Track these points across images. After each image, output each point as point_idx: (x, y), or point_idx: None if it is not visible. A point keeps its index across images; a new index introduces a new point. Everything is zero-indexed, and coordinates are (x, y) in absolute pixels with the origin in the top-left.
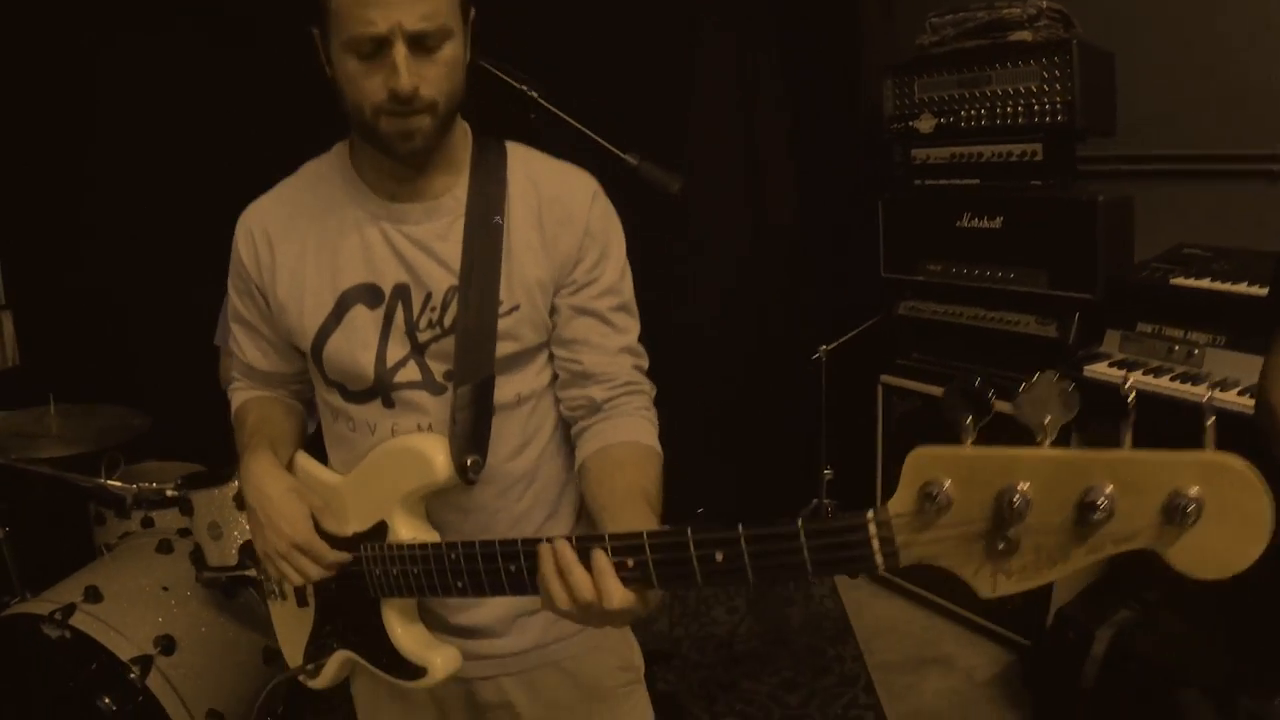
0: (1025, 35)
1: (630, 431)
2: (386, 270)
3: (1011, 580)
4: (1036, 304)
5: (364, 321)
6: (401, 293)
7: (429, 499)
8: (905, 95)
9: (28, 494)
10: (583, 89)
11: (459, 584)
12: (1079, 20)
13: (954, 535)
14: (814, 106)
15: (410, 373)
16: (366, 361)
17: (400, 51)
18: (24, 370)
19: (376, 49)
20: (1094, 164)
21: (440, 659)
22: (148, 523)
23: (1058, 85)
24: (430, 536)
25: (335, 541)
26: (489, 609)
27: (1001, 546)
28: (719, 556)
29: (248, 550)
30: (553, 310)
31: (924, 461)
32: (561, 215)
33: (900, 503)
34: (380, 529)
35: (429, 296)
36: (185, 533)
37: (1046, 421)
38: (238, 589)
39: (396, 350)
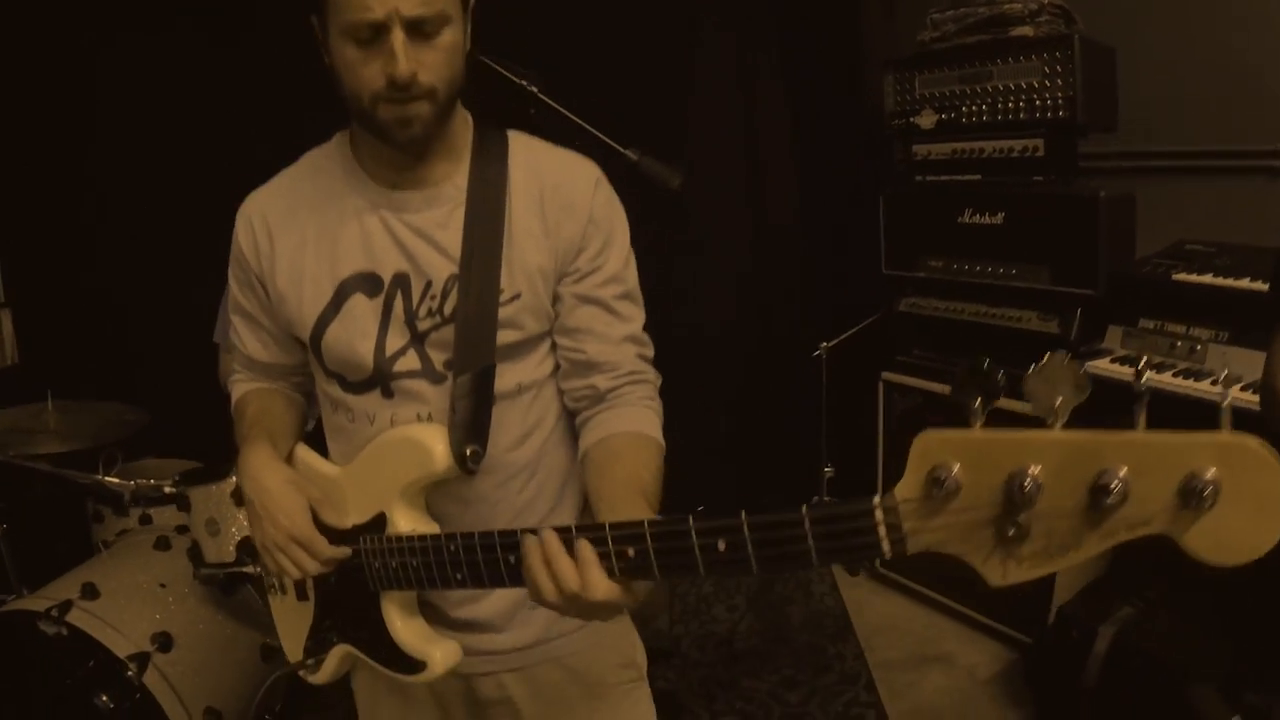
0: (1026, 30)
1: (632, 421)
2: (386, 259)
3: (1022, 568)
4: (1038, 300)
5: (363, 310)
6: (401, 281)
7: (429, 490)
8: (906, 91)
9: (26, 491)
10: (583, 87)
11: (458, 576)
12: (1080, 15)
13: (963, 521)
14: (814, 102)
15: (409, 362)
16: (365, 351)
17: (398, 37)
18: (23, 368)
19: (374, 35)
20: (1095, 160)
21: (440, 653)
22: (146, 520)
23: (1059, 81)
24: (430, 528)
25: (334, 534)
26: (489, 603)
27: (1012, 532)
28: (721, 545)
29: (245, 547)
30: (556, 299)
31: (932, 445)
32: (564, 202)
33: (907, 488)
34: (379, 521)
35: (429, 285)
36: (183, 529)
37: (1058, 404)
38: (235, 586)
39: (396, 339)
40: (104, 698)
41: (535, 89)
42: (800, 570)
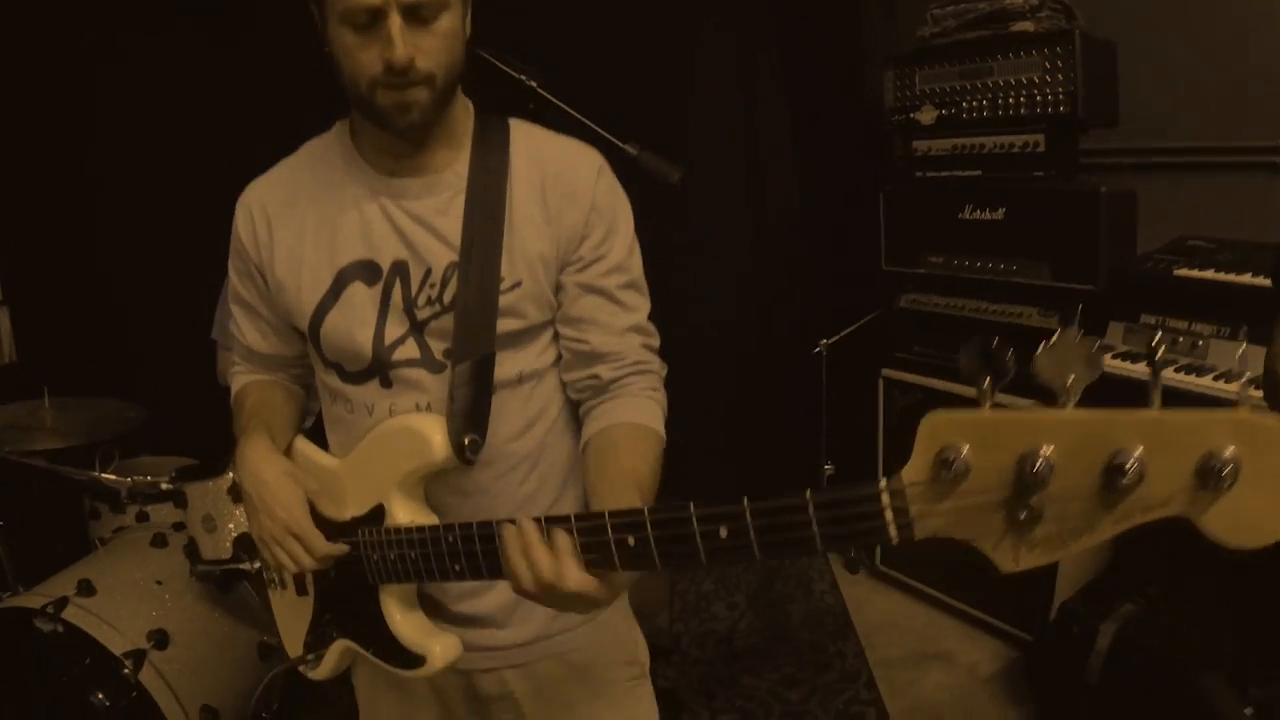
0: (1027, 26)
1: (631, 412)
2: (385, 247)
3: (1034, 553)
4: (1039, 296)
5: (362, 299)
6: (399, 269)
7: (428, 481)
8: (906, 87)
9: (23, 489)
10: (583, 86)
11: (456, 567)
12: (1081, 11)
13: (972, 504)
14: (814, 99)
15: (409, 350)
16: (364, 339)
17: (395, 22)
18: (21, 366)
19: (371, 20)
20: (1096, 157)
21: (440, 647)
22: (143, 517)
23: (1060, 76)
24: (429, 519)
25: (333, 526)
26: (490, 598)
27: (1023, 516)
28: (723, 532)
29: (242, 543)
30: (558, 288)
31: (940, 426)
32: (566, 190)
33: (914, 470)
34: (378, 512)
35: (428, 273)
36: (180, 527)
37: (1069, 382)
38: (232, 583)
39: (395, 328)
40: (100, 695)
41: (535, 84)
42: (804, 556)
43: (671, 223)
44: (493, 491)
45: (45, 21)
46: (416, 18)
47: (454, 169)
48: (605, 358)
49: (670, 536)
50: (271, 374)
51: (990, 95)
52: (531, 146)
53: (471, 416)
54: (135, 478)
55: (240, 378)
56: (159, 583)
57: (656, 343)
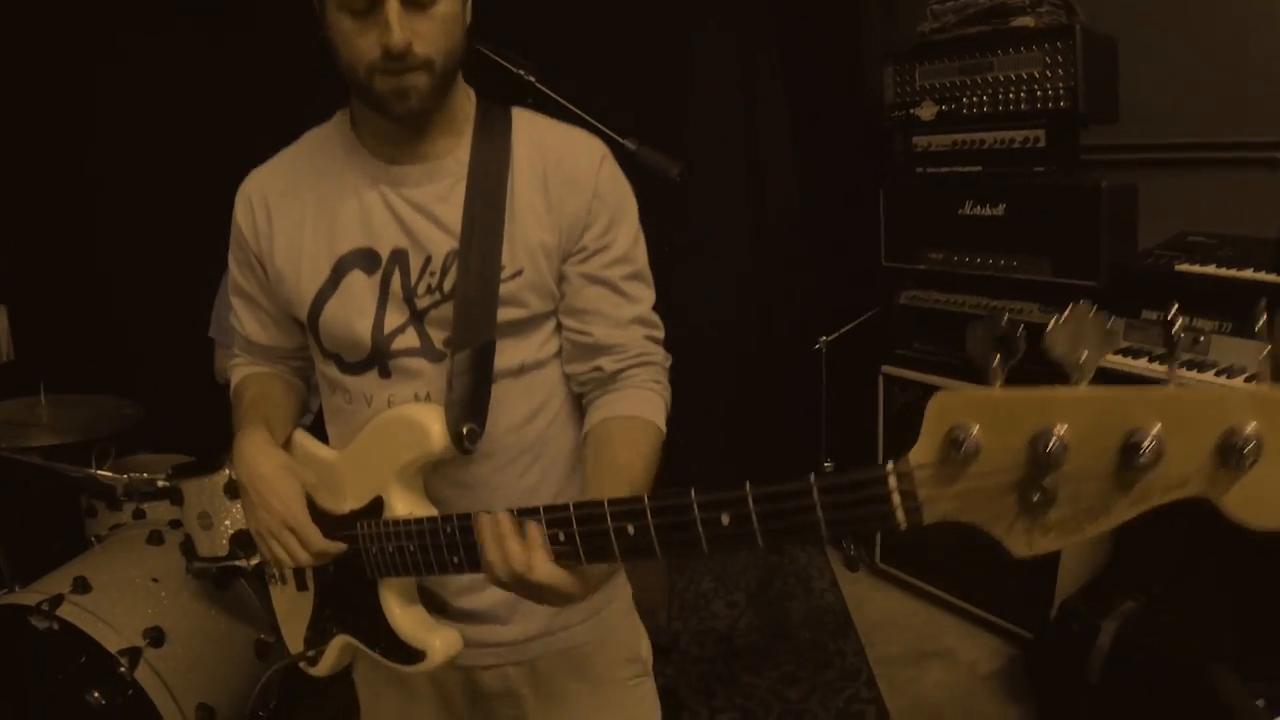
0: (1027, 21)
1: (630, 405)
2: (384, 234)
3: (1048, 537)
4: (1039, 292)
5: (361, 287)
6: (399, 258)
7: (427, 473)
8: (906, 83)
9: (19, 487)
10: (583, 83)
11: (455, 560)
12: (1081, 6)
13: (983, 486)
14: (814, 95)
15: (408, 339)
16: (363, 328)
17: (392, 7)
18: (19, 364)
19: (369, 6)
20: (1097, 153)
21: (439, 641)
22: (139, 515)
23: (1060, 71)
24: (427, 511)
25: (332, 520)
26: (491, 592)
27: (1037, 498)
28: (725, 519)
29: (239, 540)
30: (561, 278)
31: (948, 405)
32: (568, 177)
33: (922, 452)
34: (376, 505)
35: (428, 261)
36: (177, 524)
37: (1083, 359)
38: (229, 580)
39: (395, 317)
40: (96, 694)
41: (533, 79)
42: (809, 544)
43: (670, 218)
44: (494, 484)
45: (45, 21)
46: (414, 3)
47: (455, 156)
48: (608, 350)
49: (670, 524)
50: (272, 366)
51: (990, 91)
52: (534, 134)
53: (470, 406)
54: (131, 475)
55: (240, 370)
56: (155, 580)
57: (661, 334)
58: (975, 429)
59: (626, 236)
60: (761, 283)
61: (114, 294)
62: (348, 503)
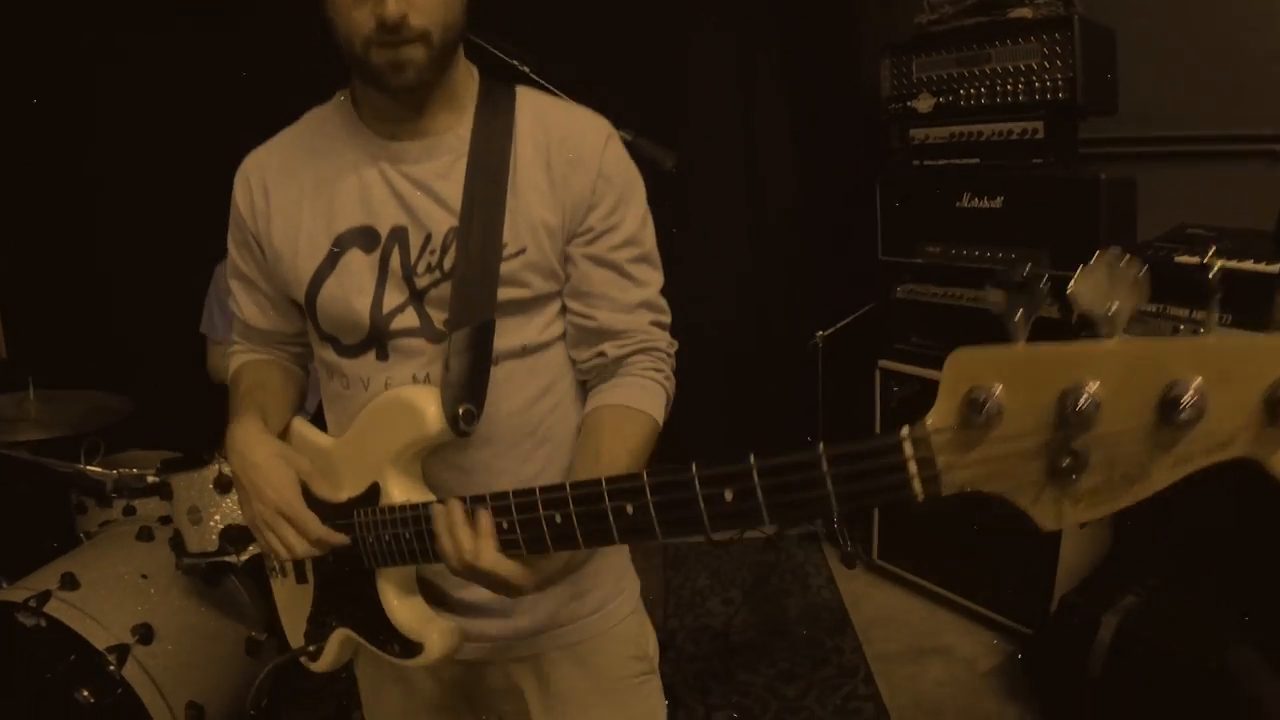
0: (1025, 12)
1: (625, 394)
2: (384, 212)
3: (1079, 506)
4: None
5: (359, 266)
6: (398, 235)
7: (425, 457)
8: (903, 75)
9: (9, 484)
10: (583, 82)
11: None
12: None
13: (1007, 451)
14: (811, 88)
15: (408, 319)
16: (362, 307)
17: None
18: (10, 361)
19: None
20: (1095, 145)
21: (438, 634)
22: (129, 511)
23: (1058, 62)
24: (425, 496)
25: (329, 508)
26: None
27: (1066, 463)
28: (729, 495)
29: (229, 535)
30: (566, 260)
31: (968, 364)
32: (572, 156)
33: (940, 416)
34: (373, 492)
35: (428, 239)
36: (167, 520)
37: (1112, 311)
38: (219, 576)
39: (394, 296)
40: (84, 692)
41: (527, 68)
42: (818, 519)
43: (666, 212)
44: (495, 469)
45: (45, 21)
46: None
47: (456, 132)
48: (612, 335)
49: (670, 502)
50: (270, 351)
51: (988, 82)
52: (537, 112)
53: (467, 386)
54: (121, 470)
55: (238, 357)
56: (144, 576)
57: (667, 319)
58: (998, 389)
59: (634, 217)
60: (759, 279)
61: (105, 290)
62: (345, 490)
